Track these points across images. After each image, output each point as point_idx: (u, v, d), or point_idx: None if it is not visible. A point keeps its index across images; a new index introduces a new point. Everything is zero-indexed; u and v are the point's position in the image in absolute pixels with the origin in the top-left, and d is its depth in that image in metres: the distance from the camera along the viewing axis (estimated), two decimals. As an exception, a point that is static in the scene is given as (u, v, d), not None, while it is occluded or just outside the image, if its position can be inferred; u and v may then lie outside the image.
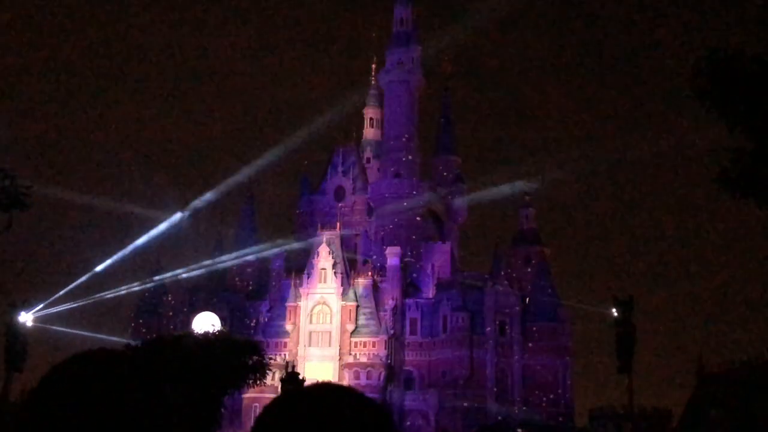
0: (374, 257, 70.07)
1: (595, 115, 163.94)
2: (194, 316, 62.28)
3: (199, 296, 65.72)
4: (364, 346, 63.96)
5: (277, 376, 46.07)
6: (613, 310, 33.50)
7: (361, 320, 64.95)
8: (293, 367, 50.20)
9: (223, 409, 34.53)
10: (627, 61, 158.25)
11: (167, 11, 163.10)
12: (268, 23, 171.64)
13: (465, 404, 60.23)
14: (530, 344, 62.19)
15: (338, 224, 71.81)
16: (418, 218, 72.18)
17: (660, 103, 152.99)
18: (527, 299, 63.85)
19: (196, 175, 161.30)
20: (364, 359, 63.22)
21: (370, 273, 67.58)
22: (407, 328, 65.30)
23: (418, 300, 66.51)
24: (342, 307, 65.41)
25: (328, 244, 68.04)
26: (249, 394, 51.63)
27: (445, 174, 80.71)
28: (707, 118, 10.15)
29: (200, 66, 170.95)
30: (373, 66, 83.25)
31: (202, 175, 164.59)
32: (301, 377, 37.40)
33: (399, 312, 65.21)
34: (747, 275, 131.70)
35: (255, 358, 34.65)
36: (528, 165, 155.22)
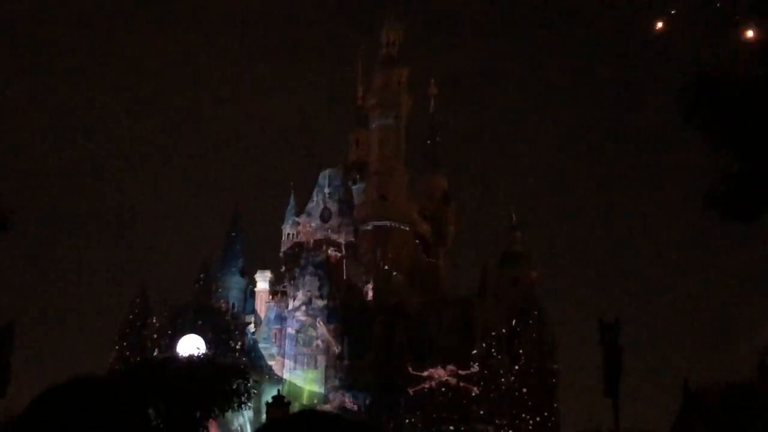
0: (363, 279, 70.17)
1: (583, 137, 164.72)
2: (179, 339, 61.96)
3: (184, 318, 65.36)
4: (351, 368, 63.88)
5: (264, 398, 45.88)
6: (600, 333, 33.38)
7: (347, 342, 64.91)
8: (279, 390, 50.01)
9: (207, 432, 34.35)
10: (615, 83, 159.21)
11: (152, 40, 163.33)
12: (252, 43, 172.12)
13: (451, 427, 60.10)
14: (516, 367, 62.10)
15: (324, 248, 71.90)
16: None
17: (649, 125, 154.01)
18: (514, 321, 63.80)
19: (181, 193, 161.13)
20: (350, 381, 63.11)
21: (357, 295, 67.70)
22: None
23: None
24: (328, 329, 65.36)
25: (315, 267, 68.06)
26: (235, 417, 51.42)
27: (431, 195, 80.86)
28: (695, 139, 10.23)
29: (187, 83, 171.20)
30: (359, 87, 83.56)
31: (188, 194, 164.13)
32: (286, 401, 37.35)
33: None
34: (734, 297, 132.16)
35: (239, 381, 34.55)
36: (515, 185, 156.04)
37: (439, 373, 61.53)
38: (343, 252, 72.97)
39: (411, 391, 60.98)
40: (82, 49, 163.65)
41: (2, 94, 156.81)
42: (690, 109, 10.11)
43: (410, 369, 61.96)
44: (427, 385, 61.16)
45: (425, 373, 61.64)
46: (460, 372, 61.57)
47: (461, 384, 61.23)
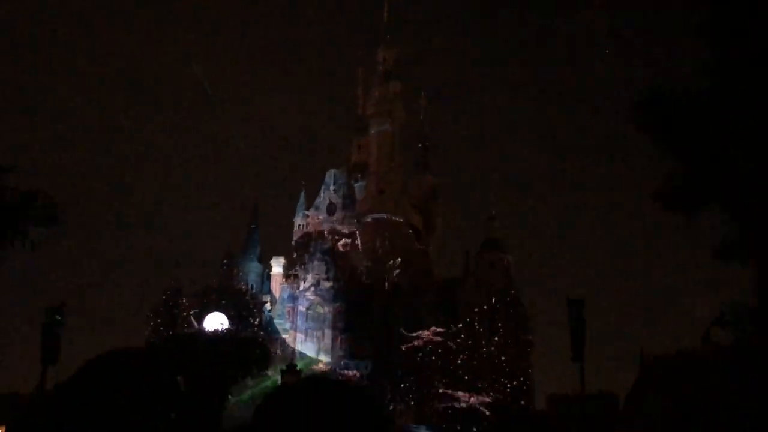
0: (364, 263, 70.21)
1: (554, 142, 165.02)
2: (206, 316, 61.91)
3: (210, 298, 65.38)
4: (353, 342, 63.99)
5: (278, 367, 45.92)
6: (567, 308, 33.40)
7: (350, 318, 65.01)
8: (291, 359, 50.12)
9: (230, 396, 34.40)
10: (583, 98, 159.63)
11: (170, 50, 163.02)
12: (267, 60, 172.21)
13: (440, 390, 60.19)
14: (496, 338, 62.19)
15: (330, 237, 71.92)
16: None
17: (610, 132, 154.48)
18: (493, 299, 63.86)
19: (207, 191, 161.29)
20: (353, 351, 63.24)
21: (359, 277, 67.76)
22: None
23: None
24: (334, 307, 65.44)
25: (322, 253, 68.11)
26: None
27: (422, 191, 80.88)
28: (646, 145, 10.30)
29: (205, 95, 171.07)
30: (359, 99, 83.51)
31: (213, 192, 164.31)
32: (298, 368, 37.41)
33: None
34: (682, 278, 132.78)
35: (258, 352, 34.57)
36: (494, 182, 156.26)
37: (426, 334, 61.48)
38: (347, 240, 73.06)
39: (404, 348, 60.86)
40: (122, 62, 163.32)
41: (61, 104, 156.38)
42: (641, 119, 10.17)
43: (403, 331, 61.85)
44: (416, 343, 61.11)
45: (414, 334, 61.64)
46: (443, 331, 61.51)
47: (448, 343, 61.11)
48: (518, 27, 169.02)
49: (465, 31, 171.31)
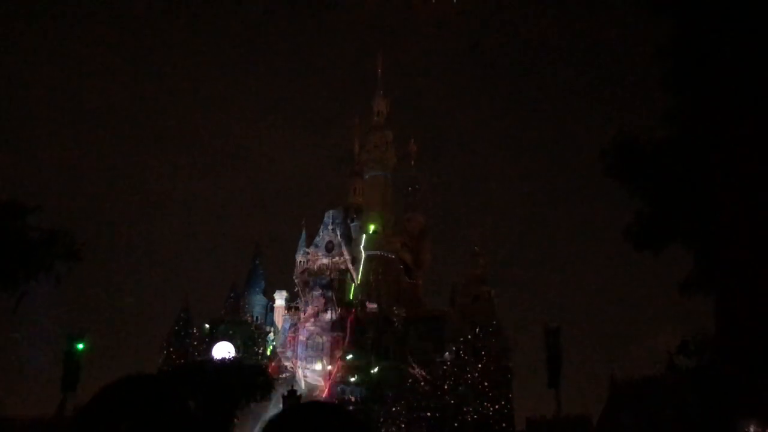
0: (359, 297, 69.89)
1: (532, 184, 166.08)
2: (214, 345, 61.41)
3: (218, 328, 64.86)
4: (350, 368, 63.39)
5: (280, 392, 45.37)
6: (545, 337, 33.40)
7: (348, 346, 64.48)
8: (292, 385, 49.59)
9: (236, 419, 33.96)
10: (558, 144, 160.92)
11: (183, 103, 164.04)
12: (272, 111, 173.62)
13: (428, 413, 59.52)
14: (479, 365, 61.72)
15: (329, 272, 71.65)
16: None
17: (582, 176, 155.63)
18: (477, 329, 63.51)
19: (216, 231, 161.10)
20: (349, 378, 62.60)
21: (354, 309, 67.32)
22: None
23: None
24: (332, 337, 64.96)
25: (321, 287, 67.80)
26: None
27: (412, 230, 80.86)
28: (615, 188, 10.33)
29: (216, 143, 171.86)
30: (356, 147, 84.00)
31: (221, 232, 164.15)
32: (298, 393, 37.03)
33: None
34: (648, 310, 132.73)
35: (261, 378, 34.24)
36: (477, 222, 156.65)
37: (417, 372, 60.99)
38: (344, 275, 72.86)
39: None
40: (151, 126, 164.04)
41: (85, 152, 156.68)
42: (610, 165, 10.21)
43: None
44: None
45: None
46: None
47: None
48: (499, 79, 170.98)
49: (451, 84, 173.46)
